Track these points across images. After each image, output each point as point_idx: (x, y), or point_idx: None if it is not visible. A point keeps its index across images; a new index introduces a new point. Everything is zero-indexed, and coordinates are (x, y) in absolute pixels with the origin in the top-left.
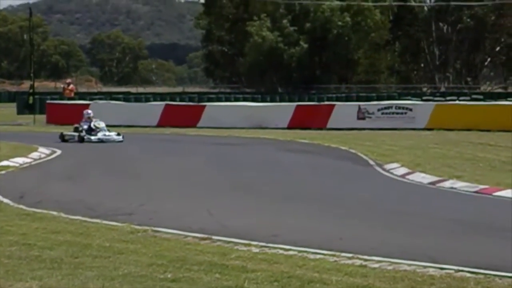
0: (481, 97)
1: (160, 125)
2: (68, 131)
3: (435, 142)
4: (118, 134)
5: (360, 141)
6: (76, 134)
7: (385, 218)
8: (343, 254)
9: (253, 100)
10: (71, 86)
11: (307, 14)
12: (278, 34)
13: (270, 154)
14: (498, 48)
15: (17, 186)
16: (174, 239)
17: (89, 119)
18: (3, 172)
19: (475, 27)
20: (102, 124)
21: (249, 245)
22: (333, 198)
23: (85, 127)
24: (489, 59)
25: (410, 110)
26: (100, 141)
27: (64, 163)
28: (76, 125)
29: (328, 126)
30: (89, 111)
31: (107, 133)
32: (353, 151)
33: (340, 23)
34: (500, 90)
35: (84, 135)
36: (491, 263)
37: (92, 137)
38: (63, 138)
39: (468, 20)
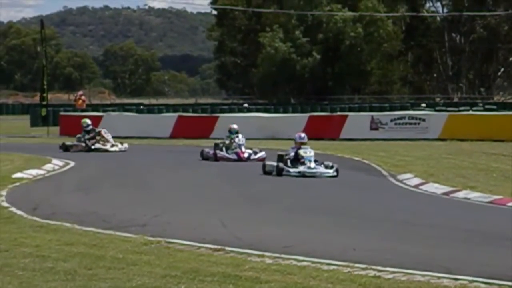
0: (494, 107)
1: (173, 136)
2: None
3: (448, 152)
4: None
5: (373, 151)
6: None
7: (399, 229)
8: (357, 265)
9: (266, 111)
10: (83, 97)
11: (319, 25)
12: (290, 45)
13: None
14: (511, 58)
15: (31, 198)
16: (187, 250)
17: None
18: (17, 184)
19: (488, 37)
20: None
21: (263, 256)
22: (346, 209)
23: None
24: (502, 69)
25: (423, 120)
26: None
27: (77, 175)
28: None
29: (341, 136)
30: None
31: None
32: (366, 161)
33: (352, 33)
34: None
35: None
36: (505, 273)
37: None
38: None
39: (481, 30)
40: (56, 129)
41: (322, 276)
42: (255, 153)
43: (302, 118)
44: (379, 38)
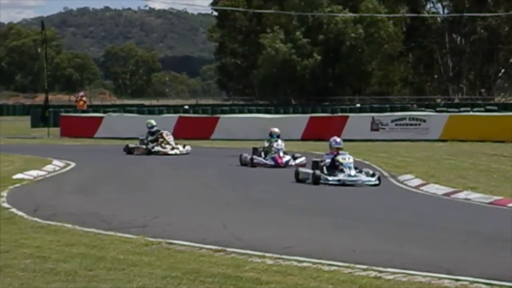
0: (495, 108)
1: (173, 137)
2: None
3: (449, 153)
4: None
5: (374, 152)
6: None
7: (400, 230)
8: (358, 266)
9: (267, 112)
10: (84, 98)
11: (320, 26)
12: (291, 46)
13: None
14: None
15: (32, 199)
16: (188, 251)
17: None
18: (17, 185)
19: (489, 38)
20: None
21: (263, 257)
22: (346, 209)
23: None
24: (503, 70)
25: (424, 121)
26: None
27: (78, 176)
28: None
29: (342, 137)
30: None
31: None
32: (367, 162)
33: (353, 34)
34: None
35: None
36: (506, 274)
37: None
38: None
39: (482, 31)
40: (57, 130)
41: (323, 277)
42: (295, 158)
43: (302, 119)
44: (379, 39)
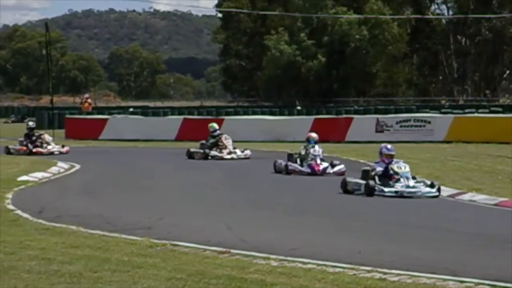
0: (500, 109)
1: (178, 139)
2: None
3: (454, 154)
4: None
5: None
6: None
7: (404, 231)
8: (362, 267)
9: (271, 113)
10: (90, 100)
11: (324, 27)
12: (295, 48)
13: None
14: None
15: (36, 201)
16: (193, 253)
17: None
18: (22, 187)
19: (494, 40)
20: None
21: (268, 258)
22: (351, 211)
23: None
24: (508, 72)
25: (429, 123)
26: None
27: (82, 178)
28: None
29: (347, 139)
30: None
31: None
32: (372, 164)
33: (357, 36)
34: None
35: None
36: (510, 276)
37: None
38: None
39: (487, 32)
40: (62, 132)
41: (328, 279)
42: (333, 165)
43: (307, 120)
44: (384, 40)
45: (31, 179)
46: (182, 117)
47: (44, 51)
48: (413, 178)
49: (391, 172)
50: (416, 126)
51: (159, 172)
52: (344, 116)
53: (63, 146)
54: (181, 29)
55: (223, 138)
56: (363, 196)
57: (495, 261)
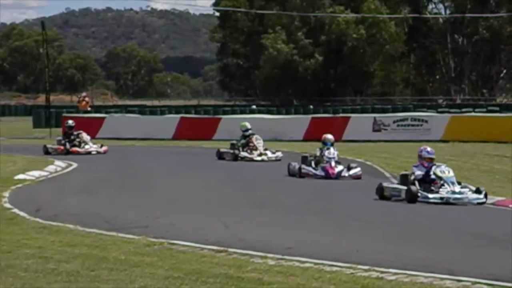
0: (497, 108)
1: (175, 138)
2: None
3: (451, 154)
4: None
5: (376, 153)
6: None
7: (401, 231)
8: (360, 266)
9: (268, 112)
10: (87, 98)
11: (322, 26)
12: (293, 47)
13: (286, 167)
14: None
15: (33, 200)
16: (190, 251)
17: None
18: (19, 185)
19: (491, 39)
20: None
21: (265, 257)
22: (349, 210)
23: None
24: (505, 71)
25: (426, 122)
26: None
27: (80, 176)
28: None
29: (344, 138)
30: None
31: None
32: (369, 163)
33: (355, 35)
34: None
35: None
36: (508, 275)
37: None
38: None
39: (484, 32)
40: (59, 130)
41: (325, 278)
42: (349, 168)
43: (304, 119)
44: (381, 39)
45: (28, 177)
46: (179, 116)
47: (41, 50)
48: (458, 183)
49: (433, 176)
50: (413, 125)
51: (155, 171)
52: (341, 115)
53: (101, 146)
54: (179, 28)
55: (253, 138)
56: (350, 192)
57: (492, 260)
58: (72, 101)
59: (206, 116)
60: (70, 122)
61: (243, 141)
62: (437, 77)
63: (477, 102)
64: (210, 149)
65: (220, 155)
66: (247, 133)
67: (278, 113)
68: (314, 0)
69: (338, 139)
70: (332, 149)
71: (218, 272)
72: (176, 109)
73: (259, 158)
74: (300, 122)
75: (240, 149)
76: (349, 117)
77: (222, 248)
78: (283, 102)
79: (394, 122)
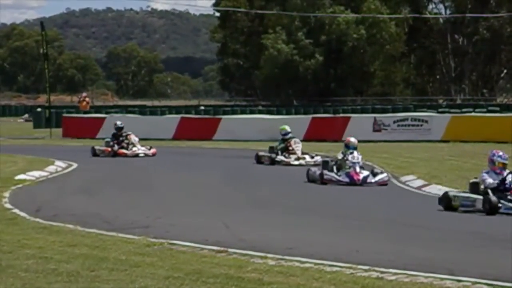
0: (497, 109)
1: (175, 138)
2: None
3: (451, 154)
4: None
5: (376, 153)
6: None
7: (402, 231)
8: (360, 266)
9: (269, 112)
10: (87, 99)
11: (322, 26)
12: (293, 47)
13: (286, 167)
14: None
15: (34, 200)
16: (190, 252)
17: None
18: (19, 185)
19: (491, 39)
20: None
21: (266, 257)
22: (349, 210)
23: None
24: (505, 71)
25: (426, 122)
26: None
27: (80, 177)
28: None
29: (344, 138)
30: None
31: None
32: (369, 163)
33: (355, 35)
34: None
35: None
36: (508, 275)
37: None
38: None
39: (484, 32)
40: (59, 130)
41: (325, 278)
42: (374, 174)
43: (305, 119)
44: (381, 39)
45: (28, 178)
46: (179, 116)
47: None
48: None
49: (509, 185)
50: (413, 125)
51: (156, 171)
52: (342, 115)
53: (150, 148)
54: (179, 28)
55: (292, 142)
56: (351, 193)
57: (492, 260)
58: (72, 101)
59: (206, 116)
60: (119, 123)
61: (282, 145)
62: (438, 77)
63: (478, 102)
64: (210, 149)
65: (259, 159)
66: (286, 137)
67: (278, 113)
68: (314, 0)
69: (338, 139)
70: (356, 153)
71: (218, 272)
72: (177, 109)
73: (296, 163)
74: (300, 122)
75: (279, 153)
76: (349, 117)
77: (222, 248)
78: (283, 102)
79: (394, 122)
